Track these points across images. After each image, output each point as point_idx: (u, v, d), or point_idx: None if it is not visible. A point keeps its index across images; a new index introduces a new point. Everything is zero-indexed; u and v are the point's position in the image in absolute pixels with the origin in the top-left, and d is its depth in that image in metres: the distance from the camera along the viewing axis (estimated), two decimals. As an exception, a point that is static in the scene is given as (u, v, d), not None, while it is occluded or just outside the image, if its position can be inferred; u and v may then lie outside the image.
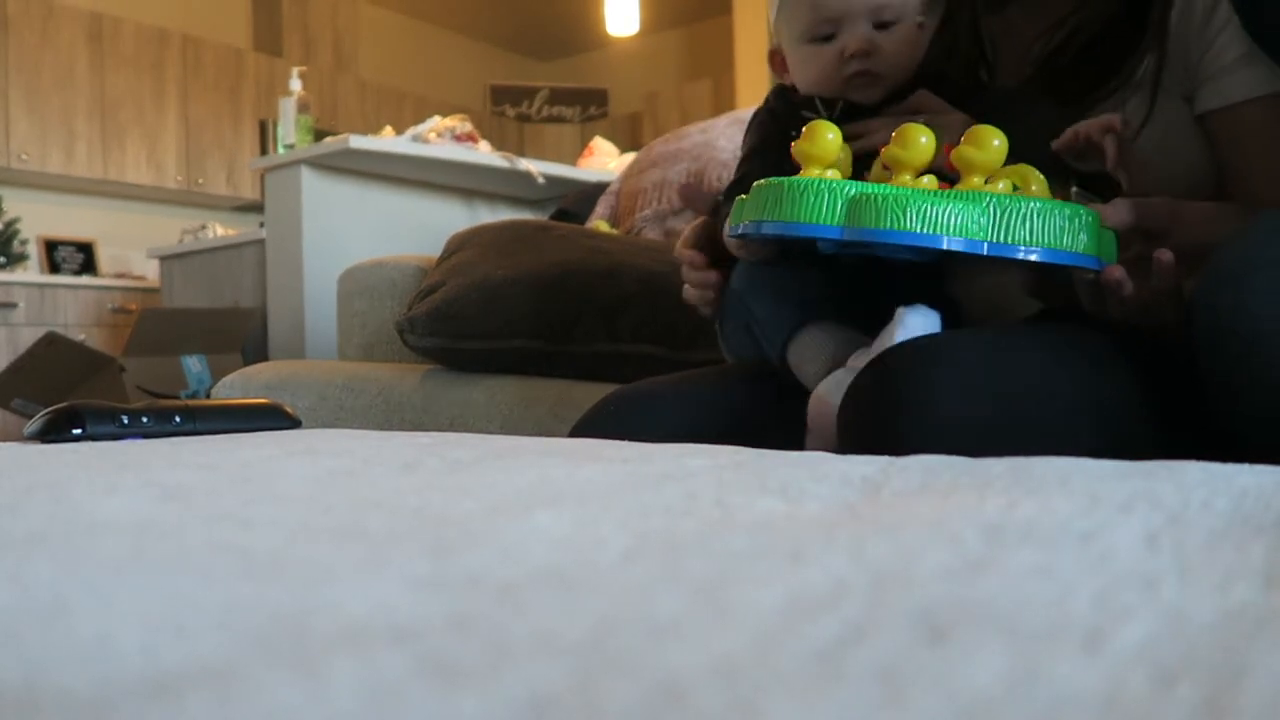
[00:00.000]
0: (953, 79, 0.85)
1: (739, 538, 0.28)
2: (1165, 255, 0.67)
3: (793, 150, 0.70)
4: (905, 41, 0.79)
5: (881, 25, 0.78)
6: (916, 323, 0.69)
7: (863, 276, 0.79)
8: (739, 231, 0.70)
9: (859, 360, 0.70)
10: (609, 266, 1.43)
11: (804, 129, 0.70)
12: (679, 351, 1.36)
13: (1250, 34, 0.75)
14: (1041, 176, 0.68)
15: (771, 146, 0.85)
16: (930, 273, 0.77)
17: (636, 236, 1.83)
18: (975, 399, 0.63)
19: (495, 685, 0.18)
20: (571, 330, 1.39)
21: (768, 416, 0.80)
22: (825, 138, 0.69)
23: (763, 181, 0.68)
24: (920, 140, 0.67)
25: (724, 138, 1.88)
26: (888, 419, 0.63)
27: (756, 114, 0.90)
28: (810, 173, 0.69)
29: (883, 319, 0.71)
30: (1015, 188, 0.67)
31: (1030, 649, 0.19)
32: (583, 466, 0.42)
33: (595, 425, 0.83)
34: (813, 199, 0.64)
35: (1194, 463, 0.36)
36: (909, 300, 0.70)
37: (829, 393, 0.71)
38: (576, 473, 0.41)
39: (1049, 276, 0.74)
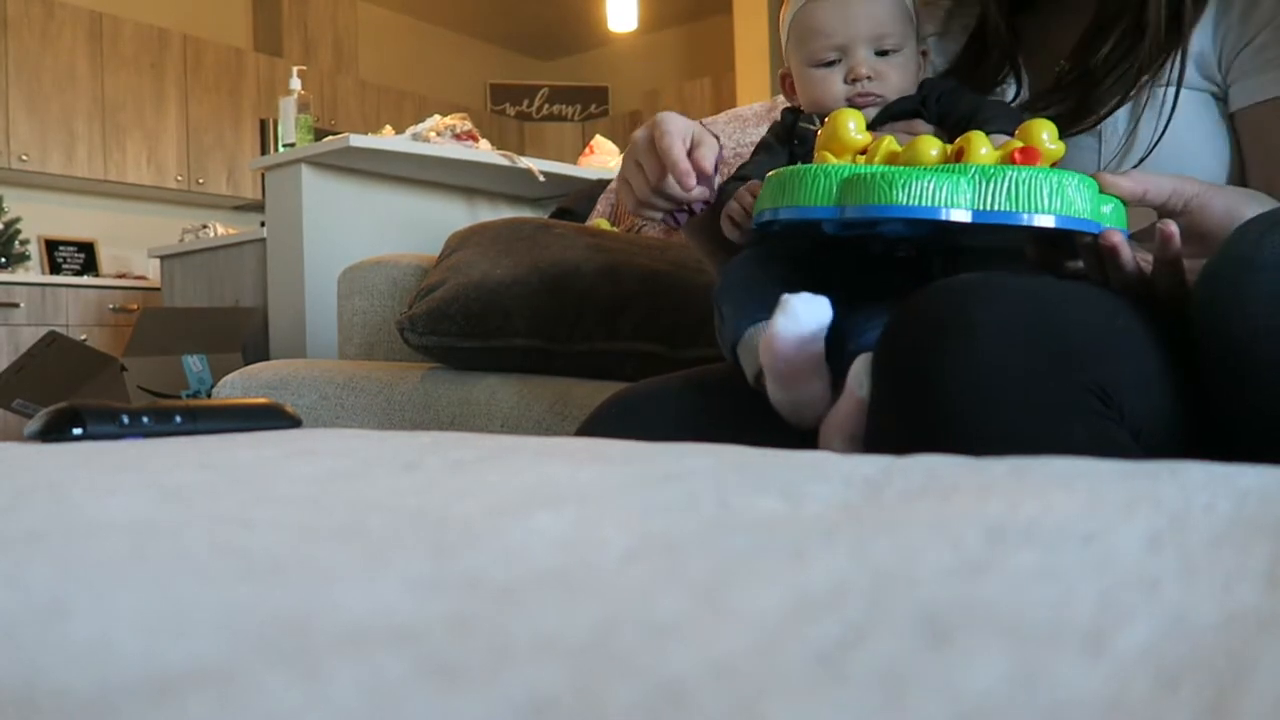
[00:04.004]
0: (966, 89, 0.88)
1: (740, 538, 0.28)
2: (1169, 228, 0.67)
3: (816, 141, 0.77)
4: (904, 67, 0.86)
5: (882, 53, 0.85)
6: (802, 309, 0.69)
7: (857, 283, 0.80)
8: (759, 221, 0.74)
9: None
10: (609, 265, 1.42)
11: (826, 119, 0.77)
12: (679, 350, 1.35)
13: None
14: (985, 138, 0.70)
15: (773, 151, 0.92)
16: (920, 273, 0.78)
17: (637, 235, 1.83)
18: (1019, 324, 0.61)
19: (496, 686, 0.18)
20: (572, 329, 1.39)
21: (775, 416, 0.80)
22: (846, 127, 0.75)
23: (770, 174, 0.74)
24: (849, 125, 0.74)
25: (723, 135, 1.87)
26: (928, 352, 0.61)
27: (770, 128, 0.97)
28: (825, 159, 0.73)
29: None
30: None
31: (1032, 651, 0.19)
32: (584, 466, 0.42)
33: (600, 426, 0.83)
34: (810, 183, 0.69)
35: (1196, 463, 0.36)
36: (899, 295, 0.70)
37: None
38: (578, 473, 0.41)
39: (1054, 249, 0.74)
